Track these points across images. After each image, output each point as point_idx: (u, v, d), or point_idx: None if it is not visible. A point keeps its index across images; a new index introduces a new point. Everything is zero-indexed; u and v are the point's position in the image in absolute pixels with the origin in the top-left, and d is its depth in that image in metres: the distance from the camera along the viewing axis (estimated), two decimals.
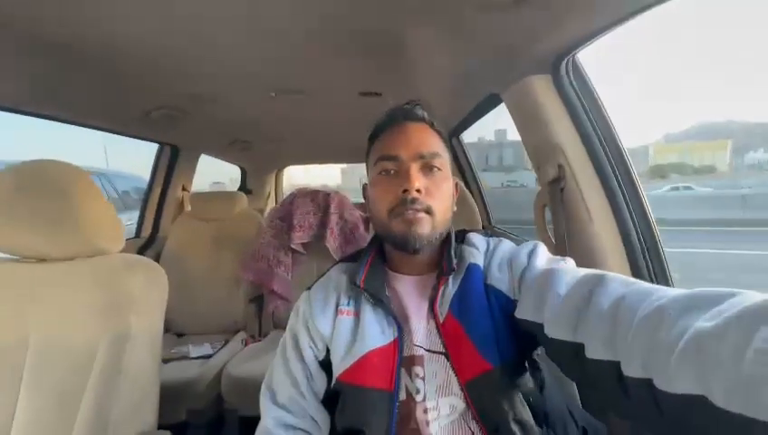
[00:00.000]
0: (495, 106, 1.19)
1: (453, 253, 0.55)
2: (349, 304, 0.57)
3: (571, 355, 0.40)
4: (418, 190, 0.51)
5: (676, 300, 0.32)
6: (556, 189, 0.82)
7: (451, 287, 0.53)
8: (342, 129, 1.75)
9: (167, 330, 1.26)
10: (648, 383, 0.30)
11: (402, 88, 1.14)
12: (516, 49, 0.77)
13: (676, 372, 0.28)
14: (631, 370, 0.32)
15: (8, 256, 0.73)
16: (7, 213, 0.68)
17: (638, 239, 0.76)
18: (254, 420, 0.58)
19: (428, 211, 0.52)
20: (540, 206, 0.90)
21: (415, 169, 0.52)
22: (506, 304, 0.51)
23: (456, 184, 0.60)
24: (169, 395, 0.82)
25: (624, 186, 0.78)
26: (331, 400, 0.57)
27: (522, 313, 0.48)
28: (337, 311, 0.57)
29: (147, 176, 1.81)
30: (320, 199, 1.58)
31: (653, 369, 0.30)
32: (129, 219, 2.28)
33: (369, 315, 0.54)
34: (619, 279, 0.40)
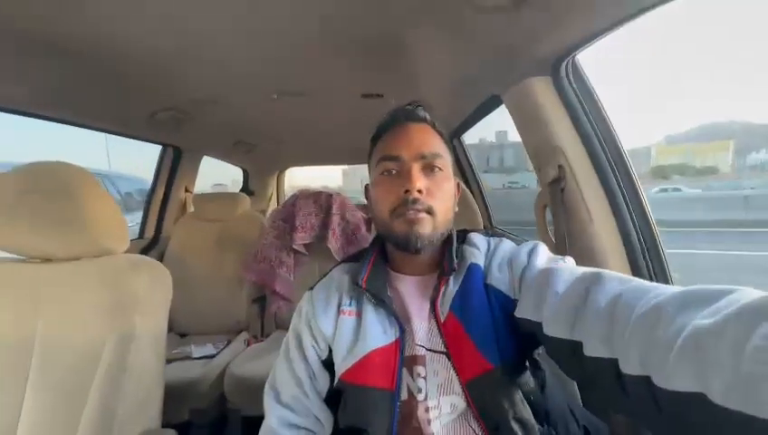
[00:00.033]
0: (496, 107, 1.20)
1: (454, 253, 0.55)
2: (351, 304, 0.57)
3: (569, 353, 0.40)
4: (420, 191, 0.51)
5: (673, 297, 0.32)
6: (556, 190, 0.83)
7: (452, 287, 0.53)
8: (344, 130, 1.76)
9: (170, 330, 1.26)
10: (646, 380, 0.30)
11: (403, 89, 1.14)
12: (516, 50, 0.78)
13: (674, 370, 0.28)
14: (629, 367, 0.32)
15: (14, 256, 0.74)
16: (14, 214, 0.69)
17: (638, 239, 0.76)
18: (256, 420, 0.58)
19: (430, 211, 0.52)
20: (540, 206, 0.91)
21: (416, 169, 0.52)
22: (506, 304, 0.51)
23: (458, 184, 0.60)
24: (173, 395, 0.83)
25: (624, 186, 0.78)
26: (333, 399, 0.57)
27: (521, 312, 0.48)
28: (339, 311, 0.57)
29: (149, 178, 1.82)
30: (322, 200, 1.58)
31: (651, 366, 0.30)
32: (132, 221, 2.29)
33: (371, 315, 0.54)
34: (617, 277, 0.40)
